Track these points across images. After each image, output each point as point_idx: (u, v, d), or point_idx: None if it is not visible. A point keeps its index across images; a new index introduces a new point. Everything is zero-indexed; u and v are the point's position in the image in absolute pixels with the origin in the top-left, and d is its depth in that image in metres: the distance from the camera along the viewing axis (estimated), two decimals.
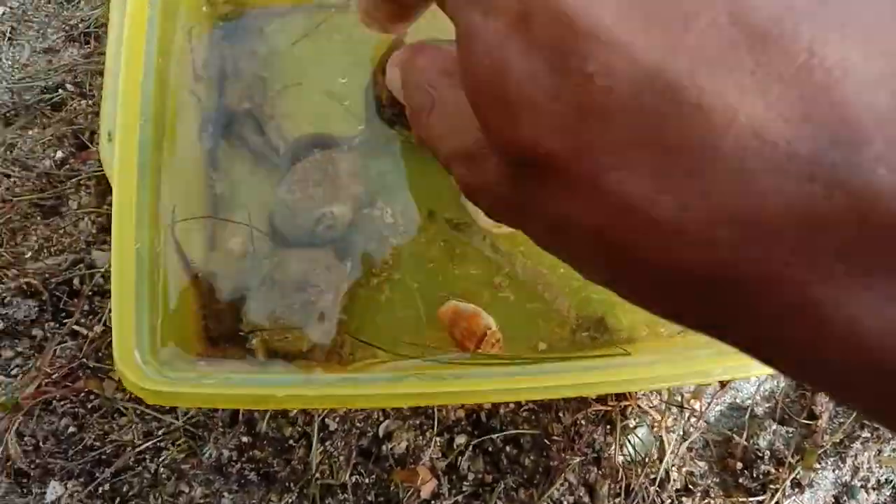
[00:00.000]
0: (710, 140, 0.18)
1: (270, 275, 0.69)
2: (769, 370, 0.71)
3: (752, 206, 0.17)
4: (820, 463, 0.75)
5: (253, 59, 0.77)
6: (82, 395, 0.74)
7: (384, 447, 0.75)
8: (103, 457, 0.72)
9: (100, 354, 0.75)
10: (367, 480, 0.74)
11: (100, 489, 0.71)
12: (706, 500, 0.75)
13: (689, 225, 0.18)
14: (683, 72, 0.18)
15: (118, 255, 0.62)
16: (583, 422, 0.75)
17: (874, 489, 0.75)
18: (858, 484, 0.75)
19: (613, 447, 0.74)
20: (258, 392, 0.60)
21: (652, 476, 0.74)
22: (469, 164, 0.27)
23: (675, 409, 0.76)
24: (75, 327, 0.76)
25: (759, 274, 0.18)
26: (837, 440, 0.75)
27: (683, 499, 0.75)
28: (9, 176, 0.80)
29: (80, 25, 0.85)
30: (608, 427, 0.75)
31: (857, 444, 0.75)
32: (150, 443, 0.73)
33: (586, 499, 0.74)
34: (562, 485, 0.74)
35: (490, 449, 0.75)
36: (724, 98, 0.17)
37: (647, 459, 0.75)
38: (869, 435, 0.75)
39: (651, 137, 0.19)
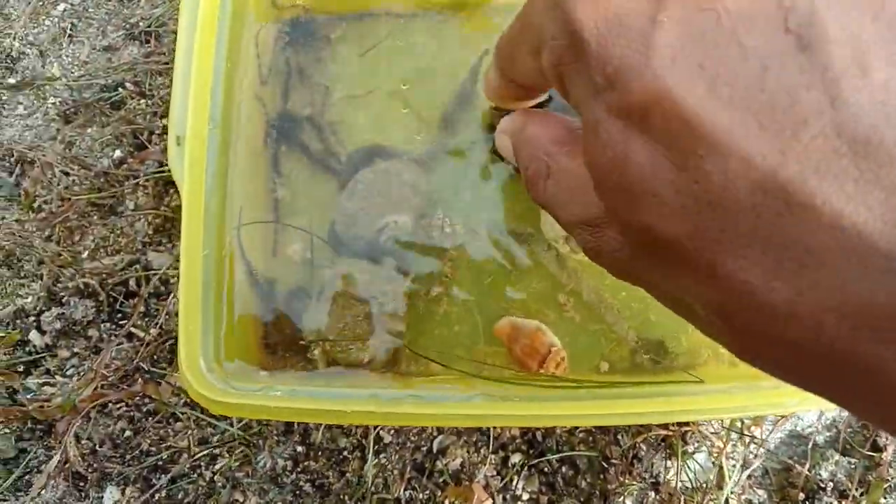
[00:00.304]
0: (820, 239, 0.20)
1: (333, 284, 0.68)
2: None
3: (856, 299, 0.19)
4: (886, 497, 0.73)
5: (318, 66, 0.76)
6: (138, 398, 0.73)
7: (438, 463, 0.74)
8: (160, 463, 0.72)
9: (155, 357, 0.75)
10: (420, 496, 0.73)
11: (156, 496, 0.70)
12: None
13: (801, 309, 0.21)
14: (794, 176, 0.20)
15: (187, 261, 0.61)
16: (642, 445, 0.74)
17: None
18: None
19: (672, 472, 0.73)
20: (325, 407, 0.59)
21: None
22: (590, 230, 0.29)
23: (734, 436, 0.75)
24: (132, 329, 0.76)
25: (865, 356, 0.20)
26: None
27: None
28: (68, 174, 0.80)
29: (141, 24, 0.84)
30: (668, 451, 0.74)
31: None
32: (205, 450, 0.72)
33: None
34: None
35: (546, 469, 0.74)
36: (832, 203, 0.19)
37: (706, 486, 0.74)
38: None
39: (766, 232, 0.21)
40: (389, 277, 0.70)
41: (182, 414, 0.73)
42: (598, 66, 0.24)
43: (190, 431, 0.73)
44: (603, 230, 0.28)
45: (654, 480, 0.74)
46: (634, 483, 0.73)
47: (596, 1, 0.24)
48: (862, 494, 0.73)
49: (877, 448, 0.74)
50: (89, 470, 0.70)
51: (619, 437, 0.75)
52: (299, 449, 0.73)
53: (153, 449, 0.72)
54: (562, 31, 0.26)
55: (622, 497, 0.72)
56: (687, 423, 0.74)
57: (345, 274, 0.69)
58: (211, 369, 0.61)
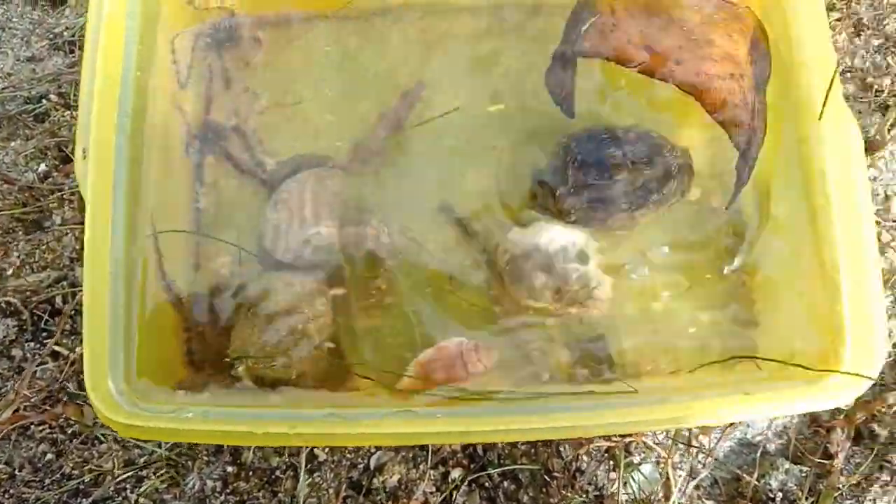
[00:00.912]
0: None
1: (257, 299, 0.66)
2: (782, 412, 0.67)
3: None
4: None
5: (243, 72, 0.74)
6: (62, 419, 0.71)
7: (375, 480, 0.71)
8: (81, 486, 0.69)
9: (81, 377, 0.72)
10: None
11: None
12: None
13: None
14: None
15: (90, 276, 0.58)
16: (584, 458, 0.72)
17: None
18: None
19: (616, 485, 0.70)
20: (237, 429, 0.56)
21: None
22: None
23: (682, 446, 0.72)
24: (56, 348, 0.73)
25: None
26: (855, 482, 0.71)
27: None
28: None
29: (65, 34, 0.82)
30: (611, 463, 0.71)
31: (877, 488, 0.70)
32: (130, 472, 0.70)
33: None
34: None
35: (487, 484, 0.72)
36: None
37: (652, 498, 0.71)
38: (889, 478, 0.70)
39: None
40: (317, 291, 0.67)
41: (107, 436, 0.71)
42: None
43: (115, 453, 0.71)
44: None
45: (597, 493, 0.71)
46: (577, 496, 0.70)
47: None
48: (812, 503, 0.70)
49: (828, 455, 0.72)
50: (6, 496, 0.68)
51: (561, 449, 0.72)
52: (229, 469, 0.71)
53: (76, 472, 0.70)
54: None
55: None
56: (630, 434, 0.71)
57: (271, 289, 0.66)
58: (121, 391, 0.59)
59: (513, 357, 0.68)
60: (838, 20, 0.86)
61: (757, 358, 0.65)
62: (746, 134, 0.68)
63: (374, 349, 0.67)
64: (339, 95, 0.75)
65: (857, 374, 0.58)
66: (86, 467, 0.70)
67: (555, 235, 0.67)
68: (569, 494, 0.71)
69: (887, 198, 0.80)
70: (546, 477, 0.71)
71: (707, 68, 0.66)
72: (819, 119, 0.64)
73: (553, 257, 0.67)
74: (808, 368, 0.62)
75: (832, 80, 0.63)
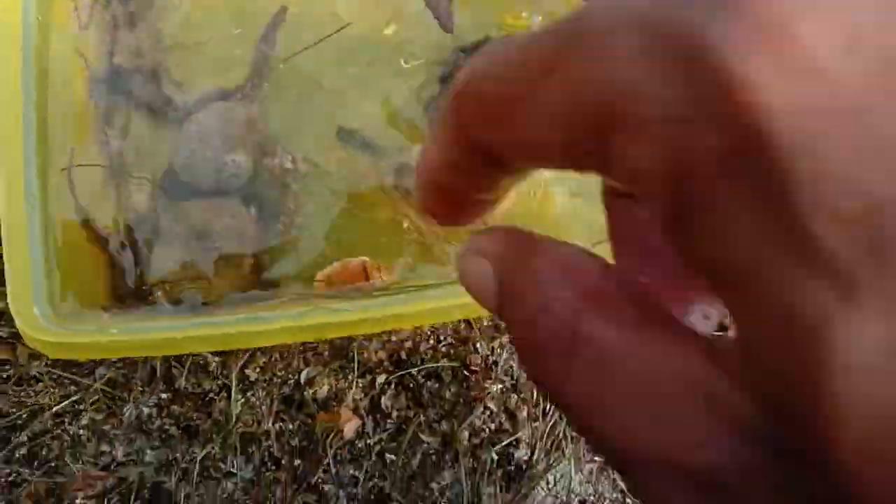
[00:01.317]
0: None
1: (174, 228, 0.69)
2: None
3: None
4: None
5: (149, 11, 0.76)
6: None
7: (306, 393, 0.75)
8: (19, 422, 0.72)
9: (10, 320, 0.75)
10: (290, 427, 0.75)
11: (16, 453, 0.70)
12: None
13: None
14: None
15: (7, 210, 0.61)
16: (499, 350, 0.77)
17: None
18: None
19: None
20: (158, 337, 0.60)
21: None
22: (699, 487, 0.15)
23: None
24: None
25: None
26: None
27: None
28: None
29: None
30: None
31: None
32: (66, 403, 0.73)
33: (507, 425, 0.75)
34: (483, 413, 0.75)
35: (411, 385, 0.76)
36: None
37: None
38: None
39: None
40: (233, 213, 0.71)
41: (42, 374, 0.74)
42: (826, 210, 0.11)
43: (51, 390, 0.73)
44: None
45: (513, 382, 0.76)
46: (496, 385, 0.76)
47: (791, 59, 0.11)
48: None
49: None
50: None
51: (478, 345, 0.77)
52: (164, 396, 0.74)
53: (13, 410, 0.72)
54: (706, 111, 0.12)
55: (484, 401, 0.75)
56: None
57: (184, 215, 0.70)
58: (46, 315, 0.62)
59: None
60: None
61: None
62: None
63: (287, 267, 0.71)
64: (246, 31, 0.78)
65: None
66: (22, 406, 0.73)
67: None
68: (487, 385, 0.76)
69: None
70: (465, 372, 0.76)
71: None
72: None
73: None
74: None
75: None
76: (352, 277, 0.69)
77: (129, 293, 0.70)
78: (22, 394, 0.73)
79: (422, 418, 0.74)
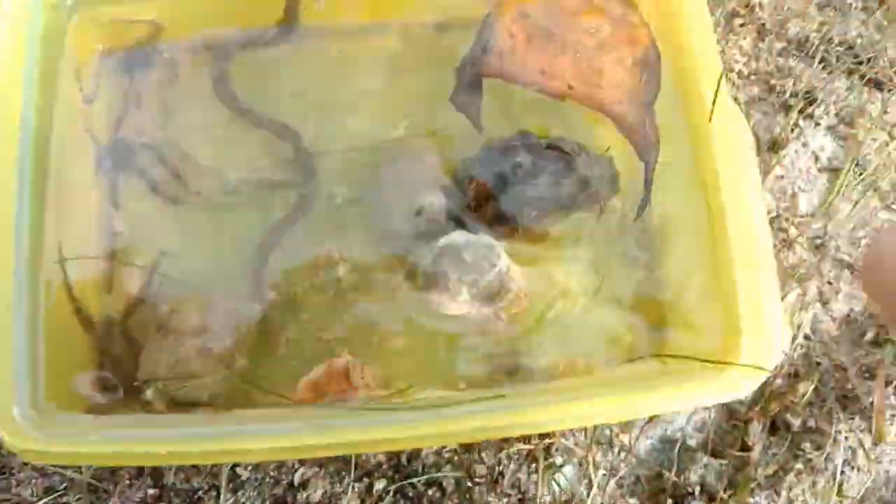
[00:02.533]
0: None
1: (167, 320, 0.66)
2: (685, 405, 0.68)
3: None
4: (753, 497, 0.72)
5: (159, 93, 0.74)
6: None
7: (299, 496, 0.72)
8: None
9: None
10: None
11: None
12: None
13: None
14: None
15: None
16: (506, 461, 0.72)
17: None
18: None
19: (539, 487, 0.71)
20: (140, 450, 0.56)
21: None
22: None
23: (602, 446, 0.73)
24: None
25: None
26: (771, 472, 0.72)
27: None
28: None
29: None
30: (533, 466, 0.72)
31: (791, 476, 0.72)
32: (49, 498, 0.70)
33: None
34: None
35: (411, 494, 0.72)
36: None
37: (574, 498, 0.72)
38: (802, 467, 0.72)
39: None
40: (227, 309, 0.67)
41: (26, 465, 0.71)
42: None
43: (34, 481, 0.71)
44: None
45: (520, 497, 0.72)
46: (500, 500, 0.71)
47: None
48: (731, 496, 0.71)
49: (745, 448, 0.73)
50: None
51: (484, 455, 0.73)
52: (151, 492, 0.71)
53: None
54: None
55: None
56: (548, 435, 0.72)
57: (181, 309, 0.67)
58: (27, 417, 0.58)
59: (431, 368, 0.69)
60: (742, 25, 0.89)
61: (662, 355, 0.67)
62: (646, 150, 0.70)
63: (282, 366, 0.68)
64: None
65: (753, 366, 0.60)
66: (2, 498, 0.70)
67: (461, 234, 0.69)
68: (492, 499, 0.71)
69: (794, 194, 0.82)
70: (469, 483, 0.72)
71: (597, 95, 0.68)
72: (709, 120, 0.66)
73: (463, 250, 0.68)
74: (709, 362, 0.63)
75: (719, 82, 0.66)
76: (337, 383, 0.65)
77: (120, 385, 0.67)
78: (3, 483, 0.70)
79: None
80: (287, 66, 0.77)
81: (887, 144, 0.84)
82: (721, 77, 0.66)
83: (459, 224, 0.71)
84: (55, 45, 0.69)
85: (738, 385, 0.61)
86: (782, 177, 0.83)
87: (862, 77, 0.86)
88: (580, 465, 0.73)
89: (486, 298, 0.68)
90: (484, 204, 0.70)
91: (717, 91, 0.66)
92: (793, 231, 0.80)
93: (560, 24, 0.70)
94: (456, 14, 0.76)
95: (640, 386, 0.63)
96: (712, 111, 0.66)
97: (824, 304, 0.79)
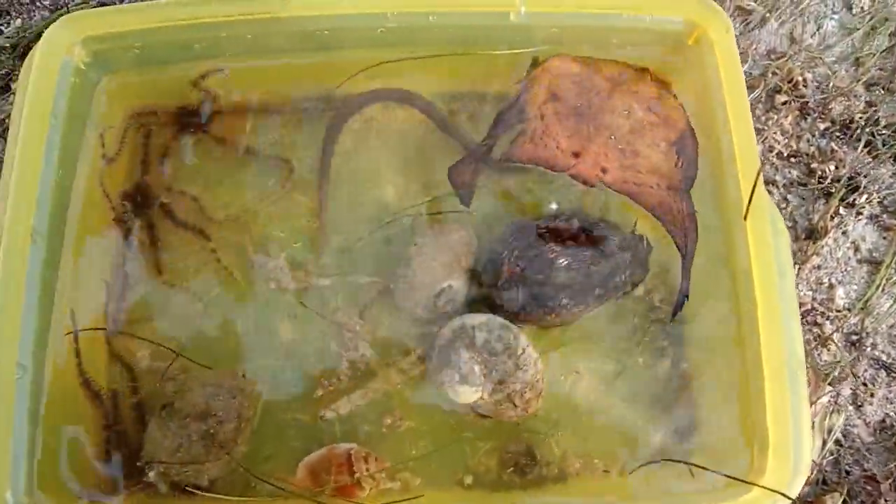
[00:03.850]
0: None
1: (171, 400, 0.65)
2: None
3: None
4: None
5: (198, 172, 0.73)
6: None
7: None
8: None
9: None
10: None
11: None
12: None
13: None
14: None
15: None
16: None
17: None
18: None
19: None
20: None
21: None
22: None
23: None
24: None
25: None
26: None
27: None
28: None
29: (7, 121, 0.82)
30: None
31: None
32: None
33: None
34: None
35: None
36: None
37: None
38: None
39: None
40: (234, 392, 0.65)
41: None
42: None
43: None
44: None
45: None
46: None
47: None
48: None
49: None
50: None
51: None
52: None
53: None
54: None
55: None
56: None
57: (186, 390, 0.65)
58: (18, 502, 0.57)
59: (438, 457, 0.67)
60: (784, 103, 0.85)
61: (688, 464, 0.64)
62: (683, 239, 0.67)
63: (286, 453, 0.66)
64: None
65: (778, 491, 0.57)
66: None
67: (474, 316, 0.67)
68: None
69: (831, 286, 0.79)
70: None
71: (633, 178, 0.66)
72: (744, 218, 0.63)
73: (478, 330, 0.65)
74: (734, 479, 0.60)
75: (756, 180, 0.62)
76: (338, 470, 0.63)
77: (123, 462, 0.65)
78: None
79: None
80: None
81: None
82: (759, 174, 0.63)
83: (489, 306, 0.69)
84: (81, 105, 0.69)
85: None
86: (819, 267, 0.79)
87: None
88: None
89: (499, 381, 0.65)
90: (513, 288, 0.67)
91: (753, 189, 0.63)
92: (828, 326, 0.77)
93: (592, 105, 0.68)
94: (491, 89, 0.74)
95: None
96: (748, 209, 0.63)
97: (858, 407, 0.75)
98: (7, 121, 0.83)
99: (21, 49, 0.84)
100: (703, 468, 0.62)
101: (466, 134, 0.72)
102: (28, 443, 0.60)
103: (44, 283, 0.63)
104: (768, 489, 0.57)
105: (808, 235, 0.80)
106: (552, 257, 0.66)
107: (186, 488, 0.62)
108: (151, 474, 0.63)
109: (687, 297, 0.67)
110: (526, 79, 0.69)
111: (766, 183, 0.77)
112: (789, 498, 0.56)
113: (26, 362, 0.60)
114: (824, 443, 0.72)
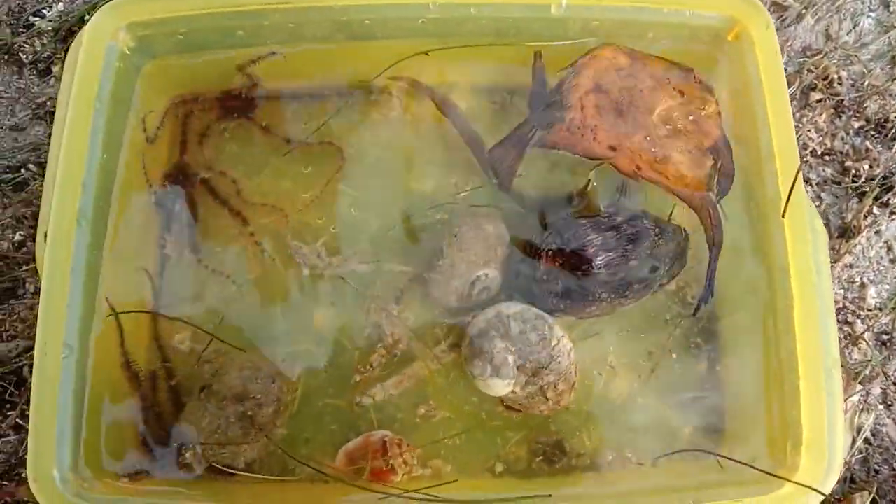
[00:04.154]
0: None
1: (209, 382, 0.66)
2: None
3: None
4: None
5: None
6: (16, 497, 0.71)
7: None
8: None
9: None
10: None
11: None
12: None
13: None
14: None
15: (41, 363, 0.59)
16: None
17: None
18: None
19: None
20: None
21: None
22: None
23: None
24: (18, 420, 0.74)
25: None
26: None
27: None
28: None
29: (48, 104, 0.84)
30: None
31: None
32: None
33: None
34: None
35: None
36: None
37: None
38: None
39: None
40: (274, 375, 0.66)
41: None
42: None
43: None
44: None
45: None
46: None
47: None
48: None
49: None
50: None
51: None
52: None
53: None
54: None
55: None
56: None
57: (223, 372, 0.66)
58: (65, 479, 0.58)
59: (470, 445, 0.68)
60: (819, 101, 0.85)
61: (723, 457, 0.64)
62: (711, 237, 0.67)
63: (324, 438, 0.67)
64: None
65: (810, 487, 0.57)
66: None
67: (509, 305, 0.67)
68: None
69: (863, 286, 0.79)
70: None
71: (662, 181, 0.66)
72: (782, 216, 0.63)
73: (512, 319, 0.66)
74: (763, 472, 0.61)
75: (795, 177, 0.63)
76: (373, 457, 0.64)
77: (159, 443, 0.66)
78: None
79: None
80: (364, 124, 0.76)
81: None
82: (798, 171, 0.63)
83: (525, 298, 0.69)
84: (125, 89, 0.70)
85: (793, 502, 0.58)
86: (851, 266, 0.79)
87: None
88: None
89: (532, 373, 0.65)
90: (553, 280, 0.67)
91: (792, 186, 0.63)
92: (859, 325, 0.77)
93: (634, 101, 0.68)
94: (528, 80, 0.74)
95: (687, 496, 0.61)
96: (786, 206, 0.63)
97: (888, 406, 0.75)
98: (49, 103, 0.84)
99: (63, 33, 0.85)
100: (737, 461, 0.62)
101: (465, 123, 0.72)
102: (73, 422, 0.61)
103: (88, 265, 0.64)
104: (803, 485, 0.57)
105: (840, 234, 0.80)
106: (593, 250, 0.66)
107: (223, 469, 0.64)
108: (188, 455, 0.64)
109: (710, 295, 0.67)
110: (572, 66, 0.69)
111: None
112: (823, 494, 0.57)
113: (72, 342, 0.62)
114: (853, 441, 0.73)
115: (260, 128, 0.74)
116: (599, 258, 0.66)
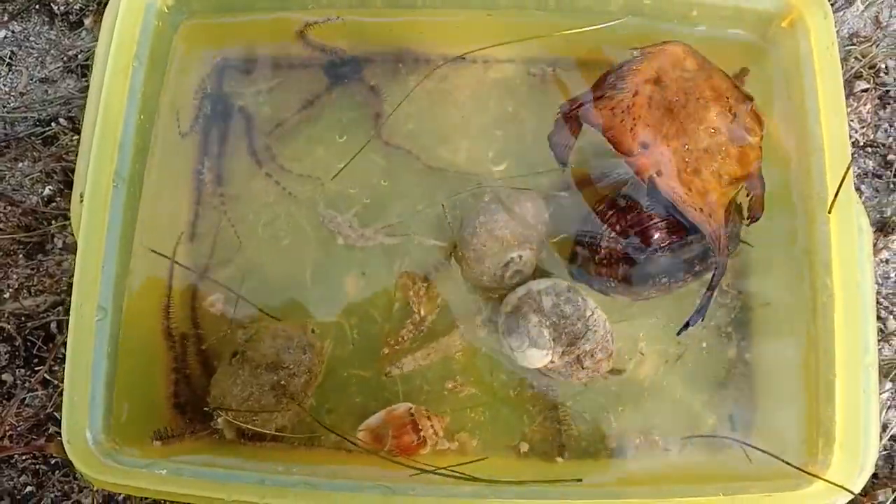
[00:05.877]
0: None
1: (242, 350, 0.65)
2: None
3: None
4: None
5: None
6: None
7: None
8: None
9: None
10: None
11: None
12: None
13: None
14: None
15: (77, 324, 0.58)
16: None
17: None
18: None
19: None
20: (205, 493, 0.56)
21: None
22: None
23: None
24: (46, 376, 0.74)
25: None
26: None
27: None
28: None
29: (80, 56, 0.82)
30: None
31: None
32: None
33: None
34: None
35: None
36: None
37: None
38: None
39: None
40: (306, 346, 0.66)
41: None
42: None
43: (95, 490, 0.71)
44: None
45: None
46: None
47: None
48: None
49: None
50: None
51: None
52: None
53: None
54: None
55: None
56: None
57: (257, 340, 0.66)
58: (97, 441, 0.59)
59: (498, 426, 0.68)
60: (864, 90, 0.83)
61: (747, 445, 0.64)
62: (715, 255, 0.65)
63: (349, 407, 0.67)
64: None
65: (842, 486, 0.57)
66: (65, 501, 0.71)
67: (539, 282, 0.67)
68: None
69: None
70: None
71: (683, 193, 0.63)
72: (829, 212, 0.62)
73: (543, 294, 0.66)
74: (796, 468, 0.60)
75: (845, 174, 0.61)
76: (397, 430, 0.64)
77: (191, 406, 0.67)
78: (66, 487, 0.72)
79: None
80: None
81: None
82: (849, 168, 0.62)
83: (581, 275, 0.70)
84: (162, 49, 0.69)
85: (824, 500, 0.58)
86: (887, 261, 0.78)
87: None
88: None
89: (569, 343, 0.65)
90: (614, 264, 0.66)
91: (841, 183, 0.62)
92: (891, 322, 0.76)
93: (687, 107, 0.65)
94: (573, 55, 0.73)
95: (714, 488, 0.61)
96: (833, 202, 0.62)
97: None
98: (80, 56, 0.82)
99: None
100: (771, 455, 0.62)
101: None
102: (106, 384, 0.61)
103: (124, 227, 0.64)
104: (835, 484, 0.57)
105: (879, 228, 0.79)
106: (656, 236, 0.65)
107: (255, 434, 0.64)
108: (219, 420, 0.64)
109: (704, 314, 0.65)
110: (640, 50, 0.66)
111: None
112: (853, 494, 0.56)
113: (106, 305, 0.61)
114: (879, 438, 0.72)
115: (295, 91, 0.72)
116: (660, 240, 0.65)
